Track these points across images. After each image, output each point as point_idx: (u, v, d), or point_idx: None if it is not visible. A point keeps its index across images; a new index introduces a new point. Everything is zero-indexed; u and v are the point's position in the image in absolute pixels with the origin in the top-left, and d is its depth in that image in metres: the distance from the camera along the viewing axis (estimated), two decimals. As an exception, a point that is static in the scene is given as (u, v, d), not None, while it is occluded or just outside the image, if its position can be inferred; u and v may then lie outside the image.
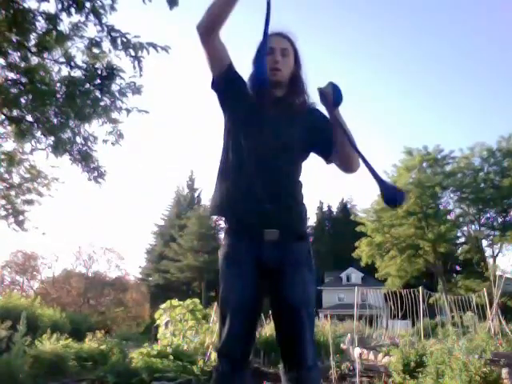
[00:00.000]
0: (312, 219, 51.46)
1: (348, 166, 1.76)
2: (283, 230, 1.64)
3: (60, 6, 4.53)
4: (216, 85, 1.75)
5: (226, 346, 1.63)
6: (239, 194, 1.66)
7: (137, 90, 5.25)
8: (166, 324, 7.03)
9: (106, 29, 4.79)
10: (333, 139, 1.72)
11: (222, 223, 44.91)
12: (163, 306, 7.22)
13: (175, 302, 7.19)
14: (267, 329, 7.70)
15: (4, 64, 5.06)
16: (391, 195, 1.59)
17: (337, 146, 1.72)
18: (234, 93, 1.75)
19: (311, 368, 1.59)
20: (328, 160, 1.80)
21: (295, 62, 1.77)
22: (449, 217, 30.64)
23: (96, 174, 6.08)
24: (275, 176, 1.66)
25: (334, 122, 1.69)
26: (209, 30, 1.63)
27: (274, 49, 1.73)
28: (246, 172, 1.66)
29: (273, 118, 1.72)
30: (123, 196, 75.21)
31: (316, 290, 1.73)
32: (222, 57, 1.71)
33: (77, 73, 5.20)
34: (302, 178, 1.79)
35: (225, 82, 1.73)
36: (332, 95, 1.64)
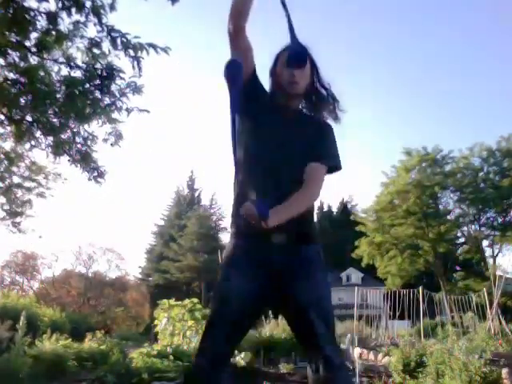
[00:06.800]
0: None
1: None
2: (291, 233, 1.64)
3: (60, 6, 4.54)
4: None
5: (204, 343, 1.62)
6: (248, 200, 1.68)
7: (137, 90, 5.24)
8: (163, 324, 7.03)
9: (105, 29, 4.79)
10: None
11: (223, 223, 44.99)
12: (160, 306, 7.22)
13: (172, 301, 7.18)
14: (267, 329, 7.68)
15: (4, 64, 5.05)
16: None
17: None
18: (251, 95, 1.72)
19: (339, 368, 1.54)
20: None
21: (312, 72, 1.78)
22: (449, 217, 30.65)
23: (96, 173, 6.08)
24: (281, 183, 1.66)
25: None
26: (236, 24, 1.61)
27: None
28: (253, 179, 1.68)
29: (282, 127, 1.74)
30: (123, 196, 75.21)
31: (330, 287, 1.73)
32: (248, 62, 1.69)
33: (77, 73, 5.21)
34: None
35: (246, 85, 1.68)
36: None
